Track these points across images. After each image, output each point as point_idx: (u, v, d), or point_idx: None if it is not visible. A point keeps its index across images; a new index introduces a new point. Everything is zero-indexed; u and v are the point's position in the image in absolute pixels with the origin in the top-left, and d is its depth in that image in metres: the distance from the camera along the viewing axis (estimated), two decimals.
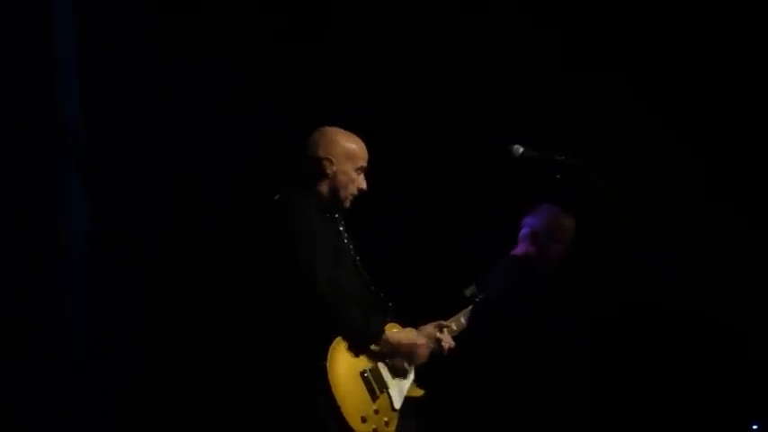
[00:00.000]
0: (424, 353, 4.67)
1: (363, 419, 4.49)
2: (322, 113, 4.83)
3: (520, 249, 5.77)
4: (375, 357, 4.60)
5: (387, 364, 4.63)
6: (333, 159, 4.63)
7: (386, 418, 4.59)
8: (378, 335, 4.57)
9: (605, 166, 4.76)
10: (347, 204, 4.69)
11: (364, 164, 4.70)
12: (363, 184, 4.69)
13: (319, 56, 6.25)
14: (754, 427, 6.03)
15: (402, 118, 6.34)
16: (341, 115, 4.66)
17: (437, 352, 4.78)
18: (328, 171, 4.63)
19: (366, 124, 4.64)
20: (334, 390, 4.42)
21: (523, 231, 5.77)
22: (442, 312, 4.88)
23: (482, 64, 6.46)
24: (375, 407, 4.55)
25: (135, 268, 5.92)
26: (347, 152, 4.66)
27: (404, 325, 4.74)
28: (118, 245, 5.92)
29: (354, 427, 4.46)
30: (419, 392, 4.75)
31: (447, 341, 4.80)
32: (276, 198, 4.62)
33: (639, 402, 6.21)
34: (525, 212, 5.81)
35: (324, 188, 4.65)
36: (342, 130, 4.70)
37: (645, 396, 6.21)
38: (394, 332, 4.64)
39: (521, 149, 4.78)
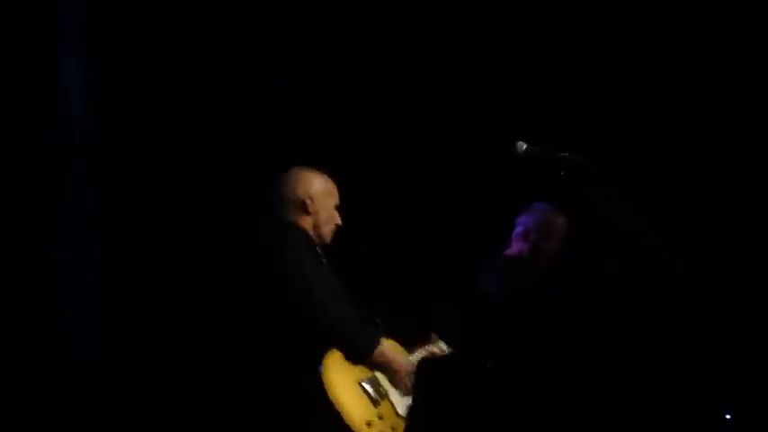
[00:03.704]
0: (407, 382, 4.76)
1: (369, 424, 4.59)
2: (323, 112, 4.83)
3: (513, 249, 5.80)
4: (371, 367, 4.72)
5: (384, 373, 4.75)
6: (313, 197, 4.82)
7: (391, 423, 4.70)
8: (373, 346, 4.68)
9: (609, 163, 4.79)
10: (328, 240, 4.86)
11: (338, 201, 4.89)
12: (339, 220, 4.89)
13: (320, 50, 6.28)
14: (728, 416, 6.06)
15: (401, 119, 6.34)
16: (341, 114, 4.64)
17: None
18: (310, 209, 4.80)
19: (364, 129, 4.63)
20: (333, 397, 4.52)
21: (516, 230, 5.81)
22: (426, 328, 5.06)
23: (483, 60, 6.46)
24: (378, 412, 4.65)
25: (137, 270, 5.94)
26: (325, 190, 4.86)
27: (399, 342, 4.86)
28: (120, 249, 5.94)
29: None
30: None
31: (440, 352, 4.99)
32: (261, 231, 4.74)
33: (626, 398, 6.19)
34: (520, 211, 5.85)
35: (306, 224, 4.81)
36: (310, 169, 4.88)
37: (629, 391, 6.19)
38: (388, 348, 4.74)
39: (524, 146, 4.79)
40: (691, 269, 5.14)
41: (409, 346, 4.92)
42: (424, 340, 4.99)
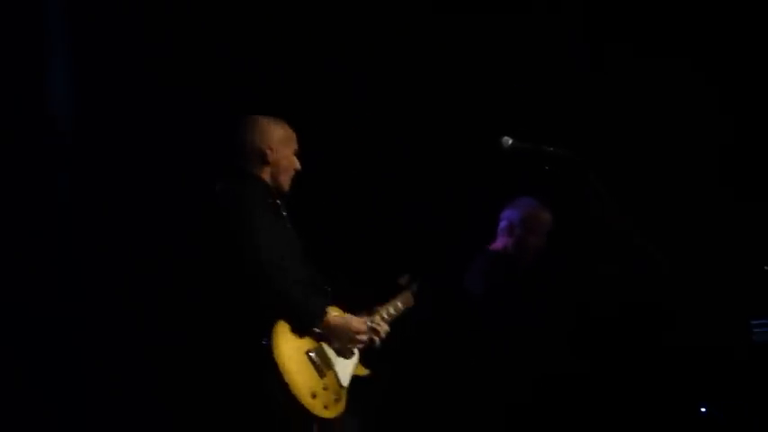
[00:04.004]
0: (361, 339, 4.79)
1: (313, 395, 4.61)
2: (317, 109, 4.80)
3: (498, 243, 5.82)
4: (318, 338, 4.71)
5: (330, 344, 4.75)
6: (273, 147, 4.80)
7: (335, 396, 4.72)
8: (319, 317, 4.68)
9: (596, 159, 4.81)
10: (287, 187, 4.86)
11: (296, 146, 4.89)
12: (299, 165, 4.88)
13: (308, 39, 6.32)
14: (703, 409, 6.10)
15: (388, 112, 6.37)
16: (332, 108, 4.64)
17: (372, 339, 4.90)
18: (270, 159, 4.79)
19: (354, 123, 4.62)
20: (281, 368, 4.52)
21: (501, 224, 5.83)
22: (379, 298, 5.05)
23: (469, 56, 6.49)
24: (323, 384, 4.67)
25: (123, 267, 5.94)
26: (283, 137, 4.85)
27: (343, 309, 4.86)
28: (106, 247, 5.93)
29: (305, 404, 4.57)
30: (364, 371, 4.89)
31: (382, 328, 4.93)
32: (218, 187, 4.71)
33: (607, 392, 6.20)
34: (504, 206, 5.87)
35: (266, 175, 4.81)
36: (269, 117, 4.86)
37: (611, 386, 6.20)
38: (334, 316, 4.74)
39: (510, 141, 4.81)
40: (675, 265, 5.17)
41: (352, 313, 4.90)
42: (368, 309, 4.98)
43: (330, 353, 4.74)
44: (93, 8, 5.93)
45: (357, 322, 4.80)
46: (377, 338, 4.89)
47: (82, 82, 5.95)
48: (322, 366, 4.68)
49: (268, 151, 4.79)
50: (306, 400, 4.57)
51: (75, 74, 5.95)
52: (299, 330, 4.63)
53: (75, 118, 5.96)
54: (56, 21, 5.91)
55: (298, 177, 4.86)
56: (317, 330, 4.68)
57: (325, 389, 4.67)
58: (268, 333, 4.54)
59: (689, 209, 6.53)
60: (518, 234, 5.77)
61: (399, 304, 5.08)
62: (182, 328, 5.43)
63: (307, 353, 4.64)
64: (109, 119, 5.99)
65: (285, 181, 4.84)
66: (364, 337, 4.79)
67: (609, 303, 6.13)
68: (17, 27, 5.83)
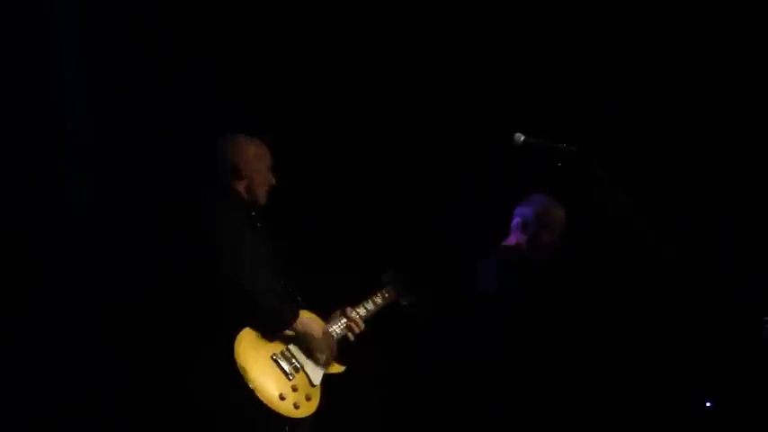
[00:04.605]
0: (328, 348, 4.96)
1: (281, 397, 4.81)
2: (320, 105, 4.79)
3: (511, 240, 5.81)
4: (286, 341, 4.90)
5: (299, 346, 4.92)
6: (246, 161, 5.08)
7: (306, 393, 4.90)
8: (290, 317, 4.87)
9: (606, 154, 4.81)
10: (263, 201, 5.13)
11: (271, 162, 5.16)
12: (273, 181, 5.15)
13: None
14: (708, 404, 6.11)
15: (396, 111, 6.36)
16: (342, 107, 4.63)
17: (346, 336, 5.07)
18: (244, 173, 5.07)
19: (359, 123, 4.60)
20: (245, 376, 4.71)
21: (514, 221, 5.82)
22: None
23: (479, 50, 6.49)
24: (292, 384, 4.86)
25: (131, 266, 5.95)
26: (257, 153, 5.13)
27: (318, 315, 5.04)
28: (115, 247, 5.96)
29: (273, 406, 4.76)
30: (340, 369, 5.06)
31: (357, 325, 5.10)
32: (196, 197, 4.98)
33: (617, 388, 6.20)
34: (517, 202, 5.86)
35: (241, 188, 5.09)
36: (245, 136, 5.15)
37: (621, 382, 6.20)
38: (305, 319, 4.92)
39: (522, 137, 4.82)
40: (689, 262, 5.18)
41: (325, 317, 5.07)
42: (341, 310, 5.13)
43: (298, 354, 4.92)
44: (104, 10, 5.98)
45: (325, 336, 4.95)
46: (351, 335, 5.08)
47: (92, 82, 5.98)
48: (289, 369, 4.85)
49: (241, 165, 5.06)
50: (273, 402, 4.75)
51: (85, 74, 5.99)
52: (267, 333, 4.80)
53: (84, 117, 5.99)
54: (68, 21, 5.93)
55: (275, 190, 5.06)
56: (288, 333, 4.86)
57: (294, 389, 4.84)
58: (233, 340, 4.71)
59: (701, 204, 6.52)
60: (532, 231, 5.75)
61: (378, 300, 5.24)
62: (156, 333, 5.53)
63: (272, 356, 4.83)
64: (118, 119, 6.02)
65: (261, 194, 5.11)
66: (324, 356, 4.94)
67: (623, 301, 6.15)
68: (28, 27, 5.87)
